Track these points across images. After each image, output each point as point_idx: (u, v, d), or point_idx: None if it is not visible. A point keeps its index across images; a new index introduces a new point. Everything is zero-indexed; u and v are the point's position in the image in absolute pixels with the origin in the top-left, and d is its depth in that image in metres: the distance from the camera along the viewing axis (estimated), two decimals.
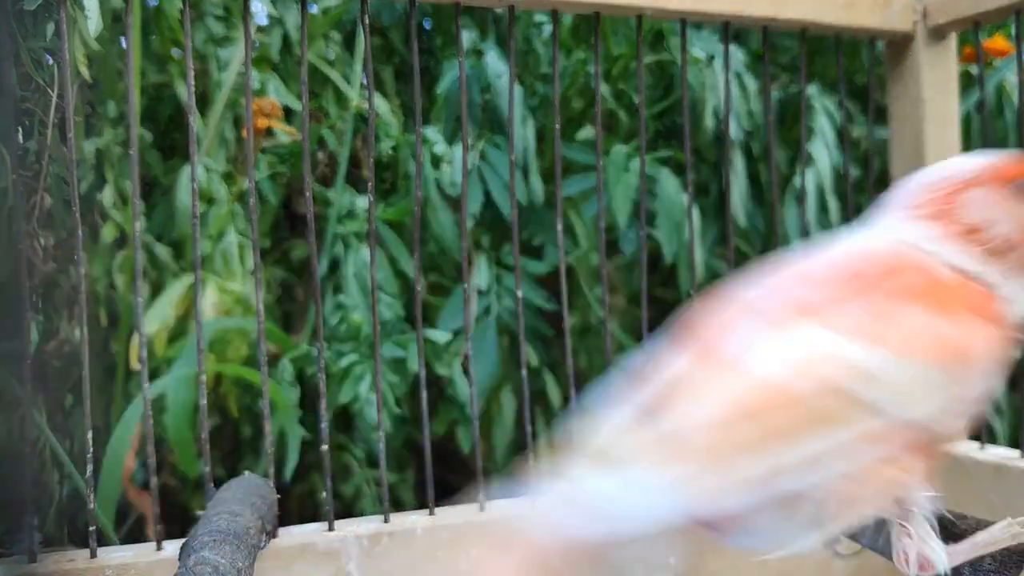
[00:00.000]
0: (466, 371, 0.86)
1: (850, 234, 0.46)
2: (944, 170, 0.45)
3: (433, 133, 0.97)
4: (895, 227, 0.44)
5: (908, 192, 0.46)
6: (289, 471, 0.81)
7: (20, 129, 1.06)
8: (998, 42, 1.02)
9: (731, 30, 0.76)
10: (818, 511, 0.37)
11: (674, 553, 0.71)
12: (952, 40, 0.81)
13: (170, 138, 1.08)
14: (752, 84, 0.95)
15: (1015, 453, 0.75)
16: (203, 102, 1.04)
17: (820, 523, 0.37)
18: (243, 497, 0.56)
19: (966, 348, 0.39)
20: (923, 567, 0.39)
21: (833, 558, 0.50)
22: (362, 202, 0.99)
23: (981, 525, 0.44)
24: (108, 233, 0.95)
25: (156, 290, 0.95)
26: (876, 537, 0.48)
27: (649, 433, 0.37)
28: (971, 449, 0.77)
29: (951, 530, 0.45)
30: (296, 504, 1.00)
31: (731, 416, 0.36)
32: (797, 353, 0.37)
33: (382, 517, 0.65)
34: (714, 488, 0.35)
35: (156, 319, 0.84)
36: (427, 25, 1.17)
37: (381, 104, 1.09)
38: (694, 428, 0.36)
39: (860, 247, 0.44)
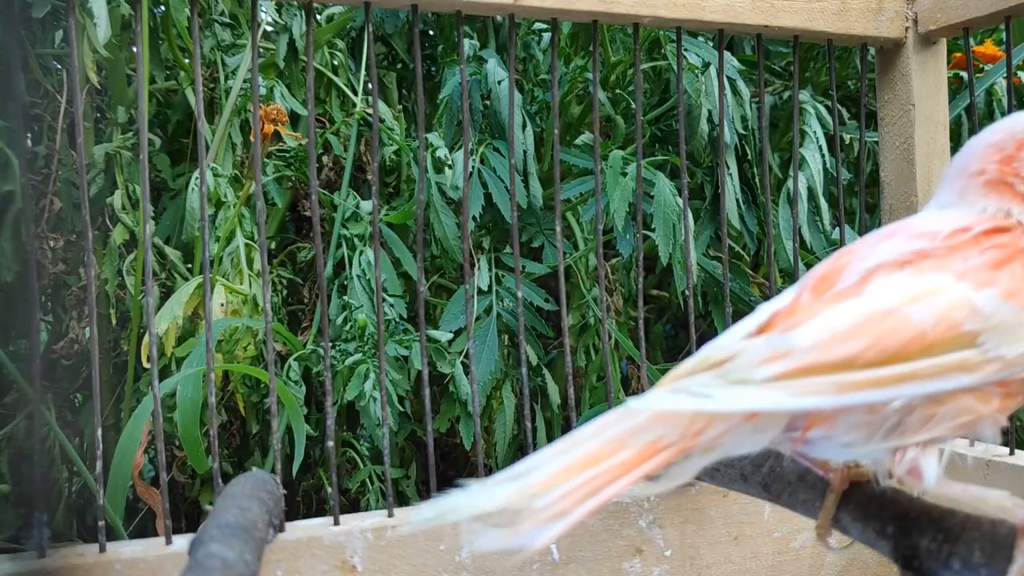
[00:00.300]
0: (467, 369, 0.87)
1: (928, 211, 0.47)
2: (1004, 129, 0.46)
3: (435, 138, 0.98)
4: (969, 202, 0.45)
5: (971, 155, 0.46)
6: (296, 467, 0.82)
7: (29, 134, 1.08)
8: (987, 48, 1.03)
9: (725, 38, 0.77)
10: (894, 425, 0.39)
11: (671, 547, 0.73)
12: (942, 46, 0.82)
13: (178, 143, 1.09)
14: (745, 90, 0.96)
15: (1004, 450, 0.76)
16: (211, 108, 1.05)
17: (893, 437, 0.39)
18: (251, 492, 0.56)
19: None
20: (912, 472, 0.40)
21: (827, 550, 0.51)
22: (366, 205, 1.00)
23: (970, 520, 0.44)
24: (118, 236, 0.96)
25: (165, 291, 0.96)
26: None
27: (759, 343, 0.39)
28: (961, 446, 0.78)
29: (940, 524, 0.46)
30: (302, 499, 1.01)
31: (845, 333, 0.38)
32: (912, 285, 0.40)
33: (386, 511, 0.66)
34: (810, 388, 0.37)
35: (166, 319, 0.85)
36: (429, 33, 1.18)
37: (384, 110, 1.10)
38: (806, 339, 0.38)
39: (950, 217, 0.45)
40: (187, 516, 0.99)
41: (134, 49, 0.88)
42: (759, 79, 0.78)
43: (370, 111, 0.88)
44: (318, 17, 1.12)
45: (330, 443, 0.65)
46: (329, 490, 0.65)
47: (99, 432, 0.60)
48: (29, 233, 0.66)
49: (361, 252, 0.96)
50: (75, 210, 1.02)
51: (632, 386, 1.09)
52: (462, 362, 0.93)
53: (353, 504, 0.96)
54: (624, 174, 0.90)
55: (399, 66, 1.16)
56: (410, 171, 1.03)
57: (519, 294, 0.72)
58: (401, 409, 0.93)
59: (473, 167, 0.94)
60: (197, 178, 0.92)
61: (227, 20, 1.06)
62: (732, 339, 0.41)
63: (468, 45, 1.01)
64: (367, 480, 0.95)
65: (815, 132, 0.96)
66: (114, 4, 0.96)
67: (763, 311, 0.42)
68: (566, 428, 1.01)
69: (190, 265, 0.99)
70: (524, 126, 0.96)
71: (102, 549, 0.59)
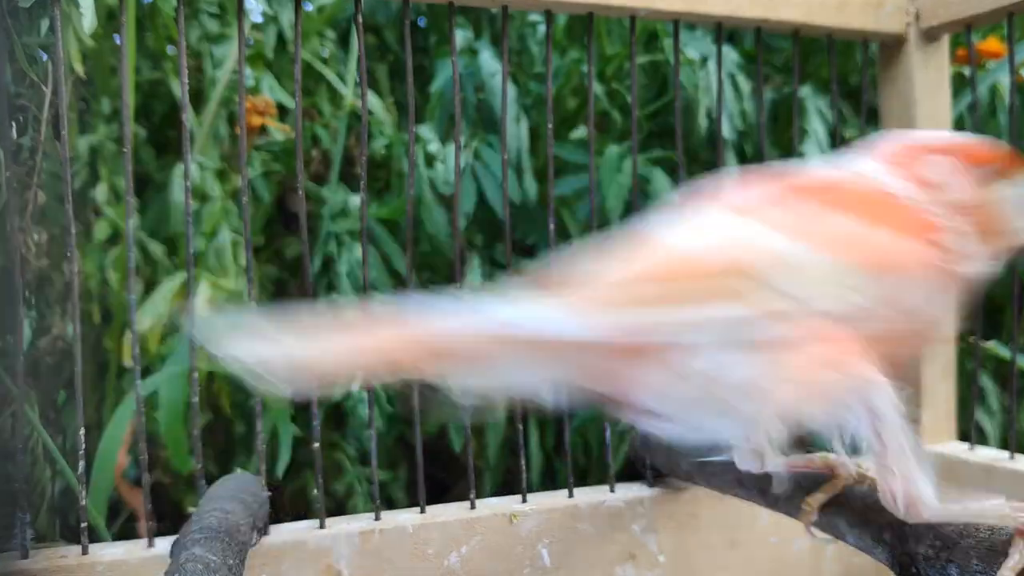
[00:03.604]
0: None
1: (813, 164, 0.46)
2: (920, 134, 0.46)
3: (427, 132, 0.97)
4: (857, 163, 0.45)
5: (879, 142, 0.46)
6: (281, 469, 0.81)
7: (14, 125, 1.06)
8: (991, 44, 1.02)
9: (724, 31, 0.76)
10: (743, 398, 0.37)
11: (664, 552, 0.71)
12: (945, 42, 0.81)
13: (164, 135, 1.07)
14: (745, 85, 0.95)
15: (1004, 454, 0.75)
16: (197, 99, 1.03)
17: (743, 414, 0.38)
18: (235, 495, 0.56)
19: (891, 258, 0.40)
20: (910, 508, 0.38)
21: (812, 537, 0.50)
22: (355, 200, 0.98)
23: (968, 527, 0.44)
24: (101, 230, 0.94)
25: (149, 287, 0.94)
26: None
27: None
28: (961, 450, 0.77)
29: (937, 530, 0.45)
30: (288, 501, 0.99)
31: (636, 275, 0.38)
32: (714, 233, 0.39)
33: (373, 515, 0.65)
34: (601, 322, 0.36)
35: (149, 316, 0.84)
36: (421, 24, 1.17)
37: (375, 102, 1.08)
38: (601, 280, 0.38)
39: (815, 171, 0.44)
40: (171, 517, 0.97)
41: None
42: (758, 74, 0.77)
43: (360, 103, 0.87)
44: (308, 7, 1.10)
45: (316, 445, 0.64)
46: (315, 492, 0.63)
47: (82, 431, 0.59)
48: (13, 227, 0.64)
49: (350, 248, 0.95)
50: (59, 203, 1.00)
51: None
52: None
53: (340, 507, 0.94)
54: (620, 170, 0.89)
55: (390, 58, 1.15)
56: (401, 165, 1.02)
57: None
58: (390, 410, 0.91)
59: (465, 162, 0.92)
60: (182, 171, 0.90)
61: (215, 10, 1.04)
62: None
63: (461, 37, 0.99)
64: (354, 483, 0.93)
65: (816, 129, 0.95)
66: None
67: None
68: (559, 430, 1.00)
69: (175, 260, 0.97)
70: (518, 120, 0.94)
71: (84, 551, 0.58)
